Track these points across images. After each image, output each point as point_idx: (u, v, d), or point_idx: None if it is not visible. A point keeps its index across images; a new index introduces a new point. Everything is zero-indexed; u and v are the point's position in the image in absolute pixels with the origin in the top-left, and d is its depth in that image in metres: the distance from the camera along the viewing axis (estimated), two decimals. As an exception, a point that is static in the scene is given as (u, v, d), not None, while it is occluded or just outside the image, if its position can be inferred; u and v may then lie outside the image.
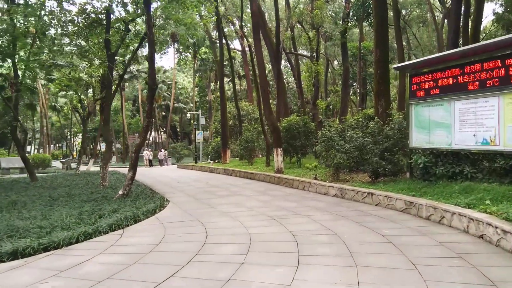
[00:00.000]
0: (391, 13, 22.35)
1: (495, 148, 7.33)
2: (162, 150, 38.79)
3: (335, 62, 47.08)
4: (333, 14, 24.59)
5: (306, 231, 6.40)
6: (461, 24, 14.23)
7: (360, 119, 13.76)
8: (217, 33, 26.21)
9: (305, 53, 35.40)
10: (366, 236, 6.00)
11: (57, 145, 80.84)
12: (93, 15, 14.02)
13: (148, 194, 11.36)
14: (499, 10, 28.71)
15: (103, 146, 39.05)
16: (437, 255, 4.95)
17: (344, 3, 25.41)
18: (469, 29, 15.83)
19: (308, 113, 22.59)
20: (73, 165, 30.99)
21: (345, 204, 8.99)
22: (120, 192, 10.63)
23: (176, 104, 55.30)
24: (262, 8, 27.85)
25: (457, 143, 8.24)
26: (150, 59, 11.35)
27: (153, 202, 9.46)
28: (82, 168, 24.16)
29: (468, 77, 7.87)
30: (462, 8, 13.87)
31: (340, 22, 25.34)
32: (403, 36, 31.64)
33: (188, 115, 38.22)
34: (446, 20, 30.45)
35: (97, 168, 25.73)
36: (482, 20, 16.54)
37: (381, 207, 8.43)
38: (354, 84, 37.84)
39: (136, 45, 16.10)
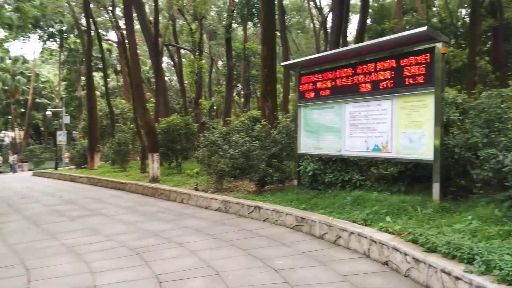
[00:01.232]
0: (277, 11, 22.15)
1: (388, 155, 6.79)
2: (11, 153, 32.45)
3: (220, 62, 46.40)
4: (217, 8, 23.42)
5: (178, 272, 4.75)
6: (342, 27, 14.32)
7: (246, 121, 12.69)
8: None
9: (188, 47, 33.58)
10: (256, 274, 4.64)
11: None
12: None
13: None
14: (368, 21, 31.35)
15: None
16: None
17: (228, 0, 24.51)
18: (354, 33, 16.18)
19: (190, 113, 20.89)
20: None
21: (229, 221, 7.61)
22: None
23: (38, 100, 47.49)
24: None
25: (348, 149, 7.58)
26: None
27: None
28: None
29: (360, 77, 7.24)
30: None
31: (225, 20, 24.38)
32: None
33: (49, 113, 32.64)
34: (322, 28, 32.18)
35: None
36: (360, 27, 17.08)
37: (269, 223, 7.28)
38: (238, 85, 37.58)
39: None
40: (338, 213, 6.39)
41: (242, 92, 33.87)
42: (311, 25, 42.66)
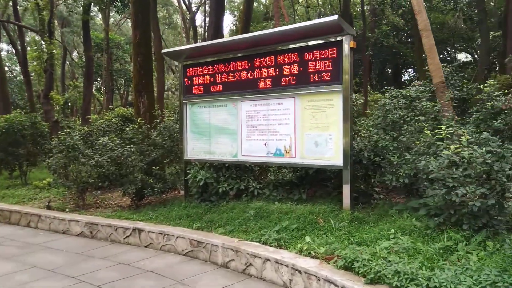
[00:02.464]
0: None
1: (292, 161, 6.05)
2: None
3: (75, 54, 40.90)
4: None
5: None
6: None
7: (114, 120, 10.65)
8: None
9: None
10: None
11: None
12: None
13: None
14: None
15: None
16: None
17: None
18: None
19: (38, 109, 17.15)
20: None
21: (99, 252, 5.83)
22: None
23: None
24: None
25: (245, 154, 6.62)
26: None
27: None
28: None
29: (258, 72, 6.33)
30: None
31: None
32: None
33: None
34: (191, 26, 30.97)
35: None
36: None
37: (155, 250, 5.80)
38: (99, 80, 33.59)
39: None
40: (243, 232, 5.36)
41: (104, 88, 30.25)
42: (179, 21, 41.07)
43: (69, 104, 32.71)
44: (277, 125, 6.20)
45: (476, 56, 24.25)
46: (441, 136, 4.50)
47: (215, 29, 12.40)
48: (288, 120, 6.07)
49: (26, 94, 22.35)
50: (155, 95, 20.88)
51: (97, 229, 6.63)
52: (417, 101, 5.55)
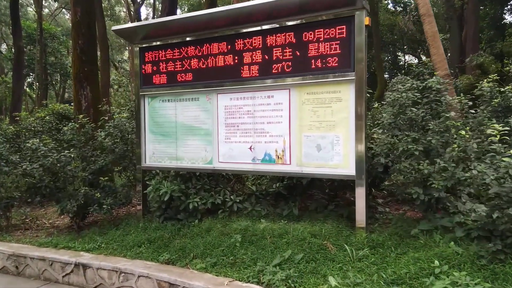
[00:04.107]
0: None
1: (286, 169, 4.80)
2: None
3: (3, 46, 36.49)
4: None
5: None
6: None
7: (47, 118, 8.70)
8: None
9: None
10: None
11: None
12: None
13: None
14: None
15: None
16: None
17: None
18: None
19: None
20: None
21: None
22: None
23: None
24: None
25: (223, 161, 5.26)
26: None
27: None
28: None
29: (241, 56, 5.01)
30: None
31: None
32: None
33: None
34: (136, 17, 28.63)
35: None
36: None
37: (106, 293, 4.26)
38: (32, 75, 30.06)
39: None
40: (231, 266, 4.01)
41: (37, 83, 26.93)
42: (122, 13, 38.24)
43: (-4, 100, 28.98)
44: (266, 123, 4.92)
45: (423, 58, 24.81)
46: (493, 139, 3.50)
47: (171, 2, 10.68)
48: (281, 118, 4.81)
49: None
50: (100, 86, 18.66)
51: (26, 263, 4.91)
52: (438, 94, 4.55)
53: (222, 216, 5.37)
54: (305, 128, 4.65)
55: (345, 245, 4.04)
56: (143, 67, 5.84)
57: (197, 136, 5.45)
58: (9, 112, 19.95)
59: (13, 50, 23.05)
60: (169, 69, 5.59)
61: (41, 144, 5.81)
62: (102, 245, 4.92)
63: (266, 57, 4.84)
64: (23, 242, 5.42)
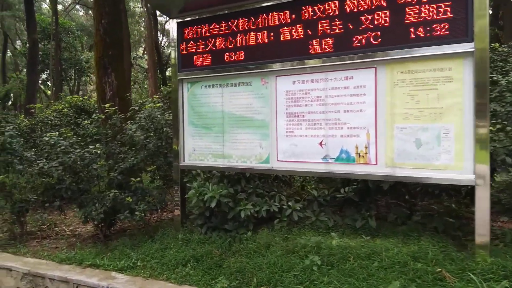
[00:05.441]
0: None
1: (371, 171, 3.75)
2: None
3: (18, 42, 36.11)
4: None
5: None
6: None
7: (65, 109, 7.80)
8: None
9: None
10: None
11: None
12: None
13: None
14: None
15: None
16: None
17: None
18: None
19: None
20: None
21: None
22: None
23: None
24: None
25: (283, 159, 4.24)
26: None
27: None
28: None
29: (310, 27, 3.97)
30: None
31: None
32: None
33: None
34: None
35: None
36: None
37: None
38: (46, 71, 29.54)
39: None
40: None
41: (51, 79, 26.32)
42: (137, 9, 37.41)
43: (11, 96, 28.55)
44: (342, 112, 3.88)
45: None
46: None
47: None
48: (364, 105, 3.77)
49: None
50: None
51: (44, 284, 3.98)
52: None
53: (280, 227, 4.37)
54: (398, 117, 3.60)
55: (469, 273, 2.99)
56: (181, 46, 4.84)
57: (250, 129, 4.44)
58: (23, 106, 19.33)
59: (27, 44, 22.44)
60: (214, 47, 4.59)
61: (61, 138, 4.87)
62: (138, 263, 3.95)
63: (345, 26, 3.80)
64: (41, 255, 4.50)
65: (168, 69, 25.11)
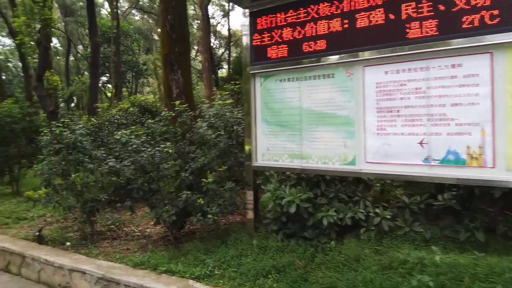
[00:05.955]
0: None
1: (487, 176, 3.16)
2: None
3: (80, 47, 38.24)
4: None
5: None
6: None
7: (132, 108, 7.83)
8: None
9: None
10: None
11: None
12: None
13: None
14: None
15: None
16: None
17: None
18: None
19: (31, 97, 14.05)
20: None
21: None
22: None
23: None
24: None
25: (374, 160, 3.75)
26: None
27: None
28: None
29: (406, 9, 3.44)
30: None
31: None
32: None
33: None
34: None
35: None
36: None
37: None
38: (107, 73, 30.92)
39: None
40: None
41: (113, 81, 27.47)
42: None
43: (74, 98, 30.23)
44: (449, 106, 3.32)
45: None
46: None
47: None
48: (477, 97, 3.18)
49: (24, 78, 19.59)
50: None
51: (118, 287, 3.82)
52: None
53: (367, 237, 3.89)
54: (524, 111, 2.98)
55: None
56: (254, 37, 4.51)
57: (331, 126, 4.00)
58: (88, 105, 20.18)
59: (89, 48, 23.52)
60: (290, 36, 4.20)
61: (132, 137, 4.74)
62: (215, 271, 3.67)
63: (450, 6, 3.23)
64: (113, 258, 4.39)
65: (220, 70, 25.19)
